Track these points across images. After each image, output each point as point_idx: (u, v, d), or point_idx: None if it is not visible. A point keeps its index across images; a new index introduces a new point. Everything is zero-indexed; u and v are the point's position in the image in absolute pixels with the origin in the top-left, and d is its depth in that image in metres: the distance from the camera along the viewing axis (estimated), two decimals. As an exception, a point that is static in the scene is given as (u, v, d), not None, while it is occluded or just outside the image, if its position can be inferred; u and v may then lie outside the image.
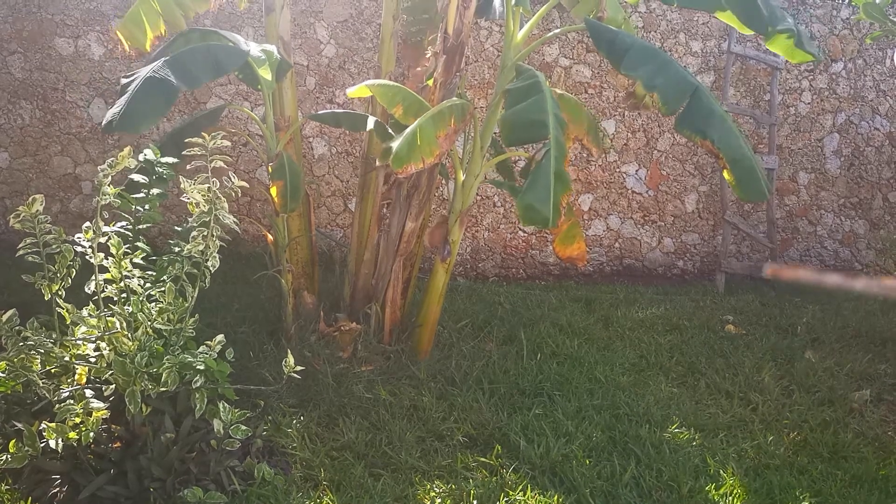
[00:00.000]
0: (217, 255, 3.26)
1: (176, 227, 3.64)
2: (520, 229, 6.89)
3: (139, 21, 4.32)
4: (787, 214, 7.35)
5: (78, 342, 2.97)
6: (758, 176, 3.63)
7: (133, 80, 3.47)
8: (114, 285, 3.10)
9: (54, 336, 2.94)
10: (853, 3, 6.88)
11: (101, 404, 2.86)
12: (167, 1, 4.30)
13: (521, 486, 3.26)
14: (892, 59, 7.12)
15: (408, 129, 3.56)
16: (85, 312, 3.05)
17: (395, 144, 3.51)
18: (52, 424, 2.74)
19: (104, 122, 3.34)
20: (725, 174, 3.68)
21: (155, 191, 3.64)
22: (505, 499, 3.18)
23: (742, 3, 3.79)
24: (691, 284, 6.98)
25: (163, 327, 3.12)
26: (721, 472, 3.49)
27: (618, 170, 6.98)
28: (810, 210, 7.39)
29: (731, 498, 3.31)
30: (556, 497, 3.20)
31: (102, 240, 3.06)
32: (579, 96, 6.68)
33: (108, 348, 2.97)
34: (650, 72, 3.65)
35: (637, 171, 7.02)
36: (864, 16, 4.87)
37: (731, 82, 6.94)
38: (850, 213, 7.46)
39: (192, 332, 3.21)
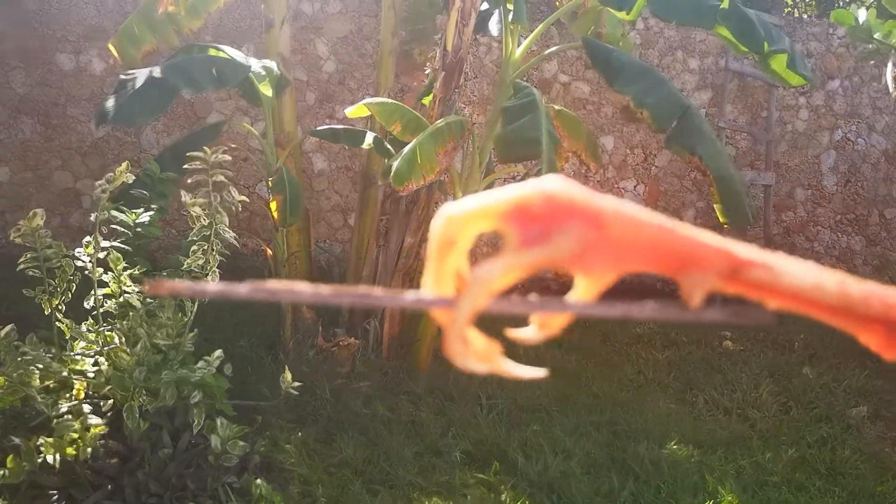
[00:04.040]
0: (217, 270, 3.26)
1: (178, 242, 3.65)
2: (518, 245, 6.88)
3: (132, 35, 4.33)
4: (785, 230, 7.37)
5: (77, 357, 2.97)
6: (742, 200, 3.67)
7: (132, 80, 3.51)
8: (113, 300, 3.11)
9: (53, 351, 2.94)
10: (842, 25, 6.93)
11: (99, 420, 2.86)
12: (160, 16, 4.32)
13: (519, 503, 3.26)
14: (886, 77, 7.15)
15: (407, 147, 3.58)
16: (84, 327, 3.05)
17: (395, 162, 3.54)
18: (50, 440, 2.74)
19: (96, 114, 3.35)
20: (713, 194, 3.72)
21: (154, 205, 3.65)
22: (503, 515, 3.18)
23: (738, 21, 3.82)
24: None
25: (162, 342, 3.12)
26: (719, 488, 3.49)
27: (616, 186, 7.00)
28: (807, 226, 7.41)
29: (729, 515, 3.31)
30: (554, 513, 3.21)
31: (102, 255, 3.06)
32: (578, 112, 6.70)
33: (106, 363, 2.97)
34: (642, 89, 3.70)
35: (635, 186, 7.04)
36: (851, 39, 4.92)
37: (729, 99, 6.97)
38: (847, 229, 7.48)
39: (191, 347, 3.21)
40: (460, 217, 0.47)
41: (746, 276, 0.46)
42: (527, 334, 0.52)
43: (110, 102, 3.39)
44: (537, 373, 0.50)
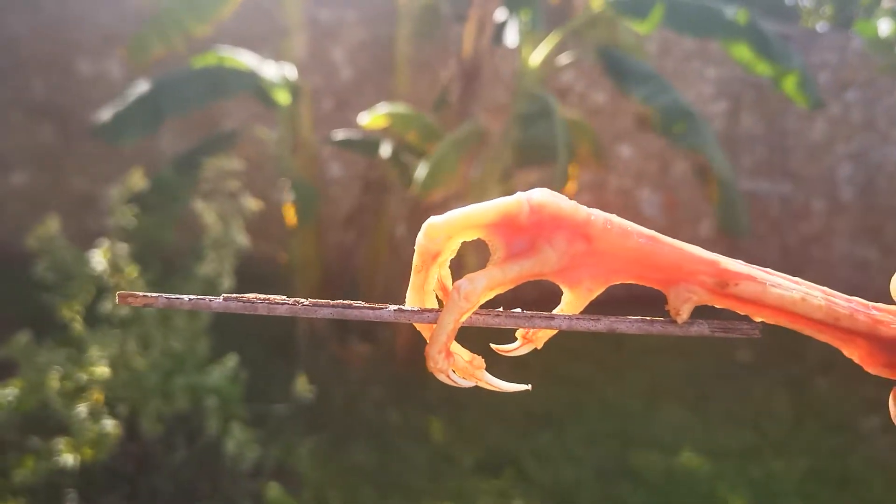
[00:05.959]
0: (231, 275, 3.28)
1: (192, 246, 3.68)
2: (532, 252, 6.88)
3: (144, 41, 4.36)
4: (801, 240, 7.33)
5: (93, 360, 3.00)
6: (741, 209, 3.69)
7: (131, 93, 3.59)
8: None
9: (71, 354, 2.98)
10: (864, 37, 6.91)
11: (116, 423, 2.89)
12: (169, 23, 4.34)
13: (529, 510, 3.27)
14: None
15: (430, 157, 3.61)
16: (99, 331, 3.08)
17: (419, 172, 3.57)
18: (68, 442, 2.77)
19: (93, 127, 3.45)
20: (713, 198, 3.74)
21: (169, 211, 3.69)
22: (513, 522, 3.20)
23: (753, 38, 3.81)
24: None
25: (176, 346, 3.14)
26: (731, 498, 3.49)
27: (632, 195, 6.99)
28: (823, 236, 7.38)
29: (740, 525, 3.31)
30: (564, 521, 3.21)
31: (117, 259, 3.09)
32: (594, 119, 6.69)
33: (122, 367, 3.00)
34: (649, 91, 3.74)
35: (651, 196, 7.03)
36: (871, 51, 4.91)
37: (746, 108, 6.95)
38: (863, 239, 7.44)
39: (205, 352, 3.23)
40: (444, 227, 0.46)
41: (734, 289, 0.47)
42: (511, 348, 0.52)
43: (103, 118, 3.48)
44: (521, 387, 0.50)
